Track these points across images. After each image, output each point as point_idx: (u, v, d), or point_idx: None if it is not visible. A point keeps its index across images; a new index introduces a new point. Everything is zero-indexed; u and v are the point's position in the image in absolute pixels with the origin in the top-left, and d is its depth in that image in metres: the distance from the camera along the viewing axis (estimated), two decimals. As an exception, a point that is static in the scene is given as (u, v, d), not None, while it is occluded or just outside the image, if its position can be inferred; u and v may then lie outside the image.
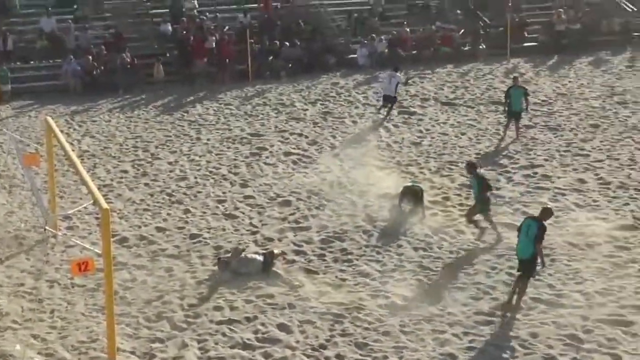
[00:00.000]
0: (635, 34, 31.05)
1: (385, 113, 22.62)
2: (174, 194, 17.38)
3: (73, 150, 15.57)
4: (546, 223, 12.05)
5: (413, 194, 15.88)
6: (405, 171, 18.28)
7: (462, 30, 30.57)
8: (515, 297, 12.12)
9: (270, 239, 14.85)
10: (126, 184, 18.10)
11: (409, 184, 16.46)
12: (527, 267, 12.00)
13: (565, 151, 19.36)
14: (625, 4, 33.41)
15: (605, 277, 12.97)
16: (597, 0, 33.68)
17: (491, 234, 14.59)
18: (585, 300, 12.24)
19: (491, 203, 14.93)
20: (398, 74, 22.82)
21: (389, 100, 22.54)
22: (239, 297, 12.65)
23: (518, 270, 12.16)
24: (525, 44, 30.71)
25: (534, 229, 11.83)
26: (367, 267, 13.62)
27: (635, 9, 33.06)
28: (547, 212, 12.28)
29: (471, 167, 14.98)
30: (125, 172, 18.95)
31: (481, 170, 16.00)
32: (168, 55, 28.52)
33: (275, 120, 22.90)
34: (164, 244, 14.85)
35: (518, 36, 30.33)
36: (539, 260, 11.95)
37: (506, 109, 20.51)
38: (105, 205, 10.46)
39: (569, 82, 26.31)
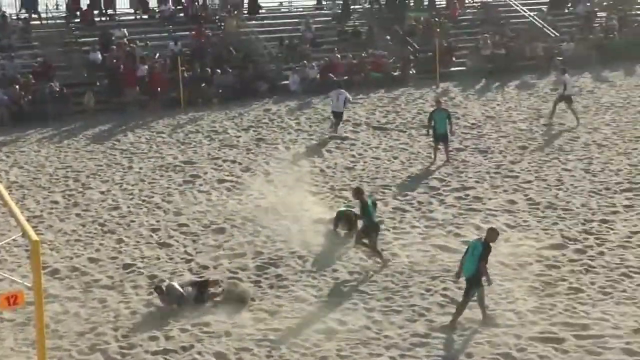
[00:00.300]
0: (559, 58, 31.95)
1: (333, 128, 23.62)
2: (106, 223, 17.13)
3: (0, 182, 15.21)
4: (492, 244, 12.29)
5: (347, 219, 15.98)
6: (339, 196, 18.37)
7: (393, 58, 30.99)
8: (484, 309, 12.32)
9: (206, 267, 14.74)
10: (57, 215, 17.76)
11: (343, 208, 16.55)
12: (470, 285, 12.17)
13: (495, 173, 19.74)
14: (548, 30, 34.43)
15: (536, 296, 13.21)
16: (521, 25, 34.71)
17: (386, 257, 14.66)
18: (518, 319, 12.44)
19: (380, 230, 15.07)
20: (343, 90, 23.78)
21: (338, 116, 23.59)
22: (174, 326, 12.49)
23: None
24: (454, 69, 31.33)
25: (479, 249, 12.06)
26: (303, 293, 13.61)
27: (558, 34, 34.10)
28: (492, 233, 12.45)
29: (357, 193, 15.03)
30: (56, 202, 18.60)
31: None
32: (98, 83, 28.19)
33: (208, 147, 22.82)
34: (97, 274, 14.59)
35: (446, 61, 30.95)
36: (484, 278, 12.14)
37: (430, 132, 20.88)
38: (35, 237, 10.21)
39: (497, 105, 26.90)
